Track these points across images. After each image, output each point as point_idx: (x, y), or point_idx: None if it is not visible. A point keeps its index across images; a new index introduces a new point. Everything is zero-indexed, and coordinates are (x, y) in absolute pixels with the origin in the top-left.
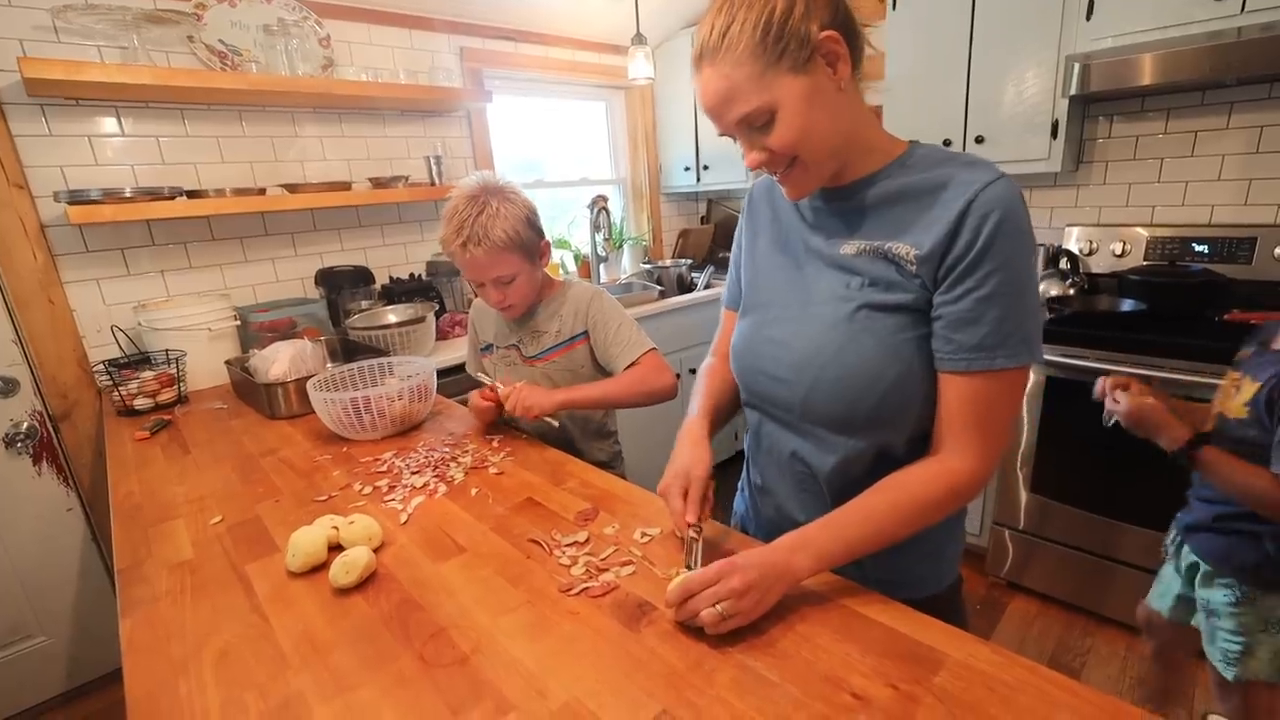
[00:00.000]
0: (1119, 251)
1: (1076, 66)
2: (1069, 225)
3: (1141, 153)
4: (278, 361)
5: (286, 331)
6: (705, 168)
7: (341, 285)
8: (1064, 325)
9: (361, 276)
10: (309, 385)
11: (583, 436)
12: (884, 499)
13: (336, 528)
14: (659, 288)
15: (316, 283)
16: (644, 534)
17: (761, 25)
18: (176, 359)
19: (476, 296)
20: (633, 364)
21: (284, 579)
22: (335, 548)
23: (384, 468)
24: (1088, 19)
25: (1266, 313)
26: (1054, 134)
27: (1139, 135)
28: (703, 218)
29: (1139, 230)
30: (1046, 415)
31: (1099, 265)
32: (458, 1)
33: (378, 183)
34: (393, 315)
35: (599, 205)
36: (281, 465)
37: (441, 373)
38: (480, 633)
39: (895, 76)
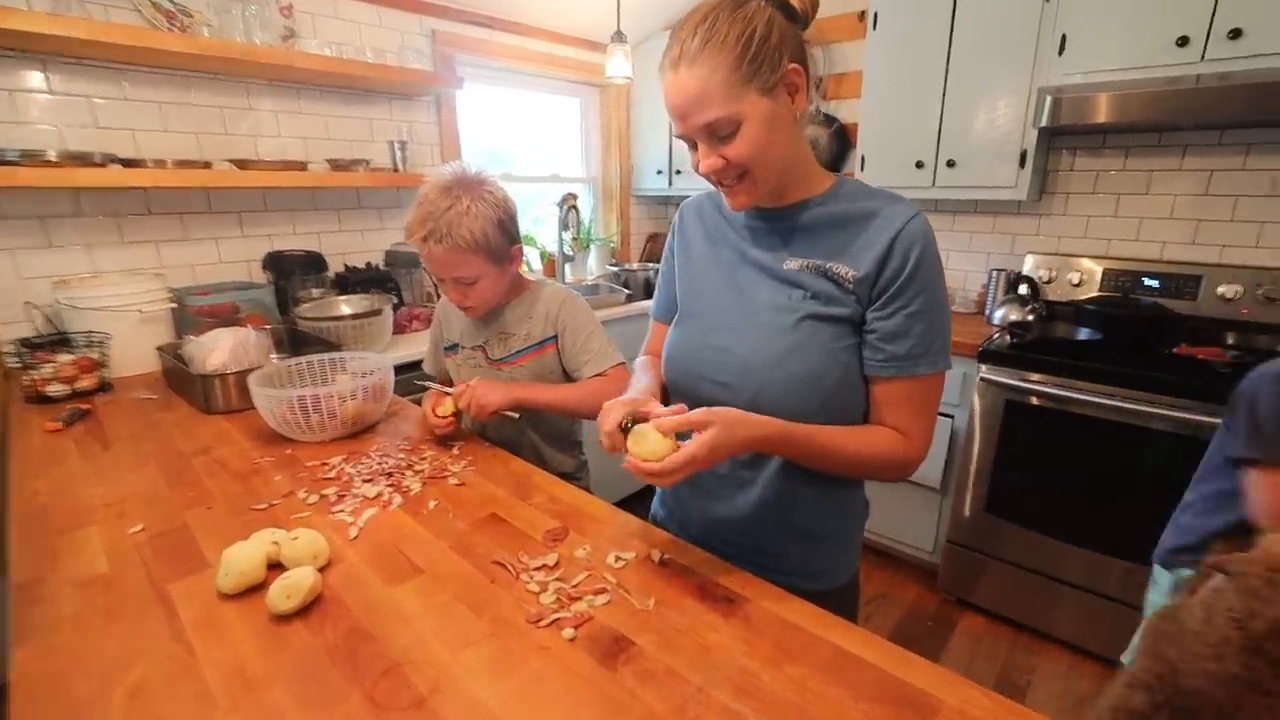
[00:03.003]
0: (1076, 281)
1: (1048, 99)
2: (1030, 253)
3: (1101, 187)
4: (217, 350)
5: (228, 318)
6: (678, 172)
7: (291, 271)
8: (1024, 351)
9: (314, 263)
10: (251, 379)
11: (548, 445)
12: (853, 430)
13: (277, 543)
14: (626, 290)
15: (264, 267)
16: (618, 558)
17: (743, 42)
18: (99, 342)
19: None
20: (599, 375)
21: (213, 601)
22: (275, 566)
23: (332, 474)
24: (1060, 54)
25: (1212, 348)
26: (1022, 163)
27: (1099, 170)
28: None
29: (1095, 262)
30: (1004, 437)
31: (1057, 293)
32: None
33: (337, 165)
34: (346, 306)
35: (569, 203)
36: (216, 466)
37: (398, 369)
38: (439, 669)
39: (871, 96)
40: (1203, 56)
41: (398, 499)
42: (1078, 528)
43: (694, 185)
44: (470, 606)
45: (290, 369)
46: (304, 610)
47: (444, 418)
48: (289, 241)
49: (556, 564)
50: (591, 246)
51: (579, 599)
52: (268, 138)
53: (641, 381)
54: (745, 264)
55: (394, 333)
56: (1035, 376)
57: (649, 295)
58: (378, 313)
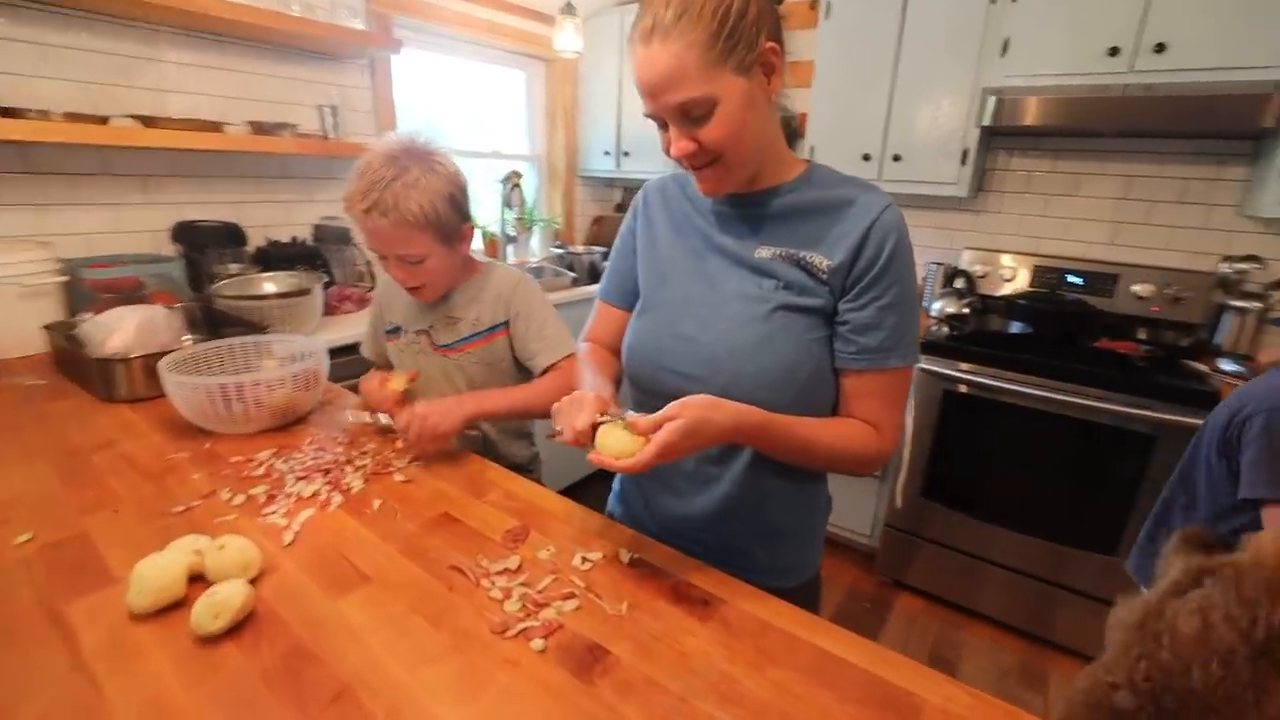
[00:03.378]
0: (1008, 276)
1: (991, 99)
2: (967, 248)
3: (1033, 187)
4: (120, 330)
5: (131, 294)
6: (626, 154)
7: (205, 244)
8: (962, 343)
9: (231, 235)
10: (161, 365)
11: (500, 437)
12: (828, 423)
13: (200, 553)
14: (571, 274)
15: (173, 238)
16: (584, 559)
17: (719, 18)
18: None
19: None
20: (552, 367)
21: (123, 623)
22: (198, 578)
23: (260, 471)
24: (1003, 55)
25: (1129, 343)
26: (964, 160)
27: (1031, 171)
28: (617, 205)
29: (1025, 259)
30: (942, 426)
31: (990, 288)
32: None
33: (259, 128)
34: (271, 284)
35: (512, 182)
36: (121, 463)
37: (331, 353)
38: (396, 690)
39: (822, 86)
40: (1131, 67)
41: (337, 498)
42: (1005, 511)
43: (643, 168)
44: (427, 618)
45: (209, 352)
46: (234, 629)
47: (394, 392)
48: (202, 211)
49: (519, 567)
50: (535, 228)
51: (546, 605)
52: (177, 93)
53: (592, 379)
54: (713, 251)
55: (324, 314)
56: (970, 367)
57: (594, 280)
58: (306, 292)
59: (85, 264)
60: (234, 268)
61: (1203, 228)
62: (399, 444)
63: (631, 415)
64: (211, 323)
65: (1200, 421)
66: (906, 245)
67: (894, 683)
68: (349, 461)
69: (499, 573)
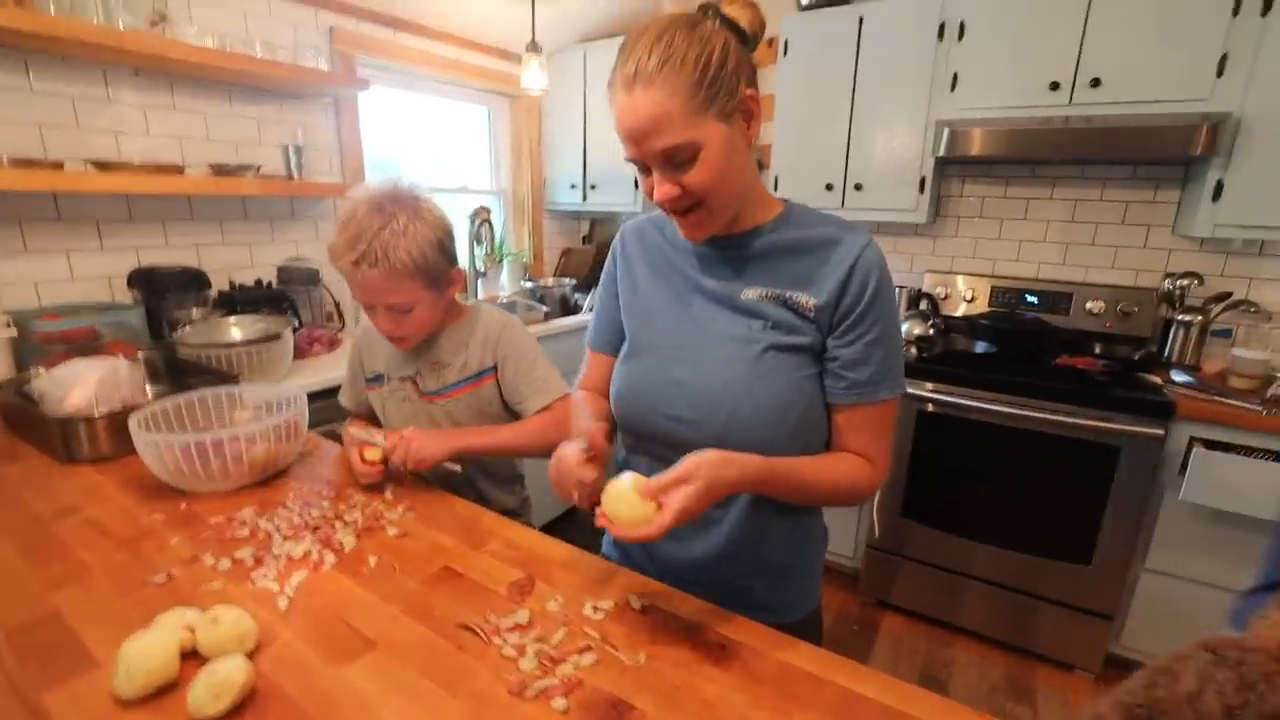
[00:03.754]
0: (968, 297)
1: (946, 130)
2: (927, 271)
3: (986, 212)
4: (79, 385)
5: (86, 344)
6: (593, 187)
7: (165, 290)
8: (932, 364)
9: (192, 280)
10: (132, 423)
11: (489, 482)
12: (825, 460)
13: (191, 628)
14: (544, 308)
15: (130, 285)
16: (596, 608)
17: (701, 66)
18: None
19: (362, 316)
20: (544, 409)
21: (111, 711)
22: (190, 655)
23: (245, 531)
24: (952, 90)
25: (1090, 359)
26: (921, 188)
27: (984, 196)
28: (584, 237)
29: (983, 280)
30: (916, 446)
31: (951, 309)
32: None
33: (221, 170)
34: (238, 330)
35: (481, 217)
36: (89, 531)
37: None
38: None
39: (784, 120)
40: (1070, 100)
41: (330, 558)
42: (981, 526)
43: (610, 200)
44: (440, 682)
45: (178, 406)
46: (236, 709)
47: (372, 463)
48: (161, 255)
49: (530, 621)
50: (504, 262)
51: (563, 661)
52: (134, 135)
53: (586, 421)
54: (698, 294)
55: (294, 357)
56: (939, 387)
57: (567, 312)
58: (276, 336)
59: (36, 315)
60: (196, 313)
61: (1143, 247)
62: (387, 495)
63: (630, 476)
64: (174, 372)
65: (1160, 432)
66: (888, 279)
67: (917, 716)
68: (338, 516)
69: (510, 628)
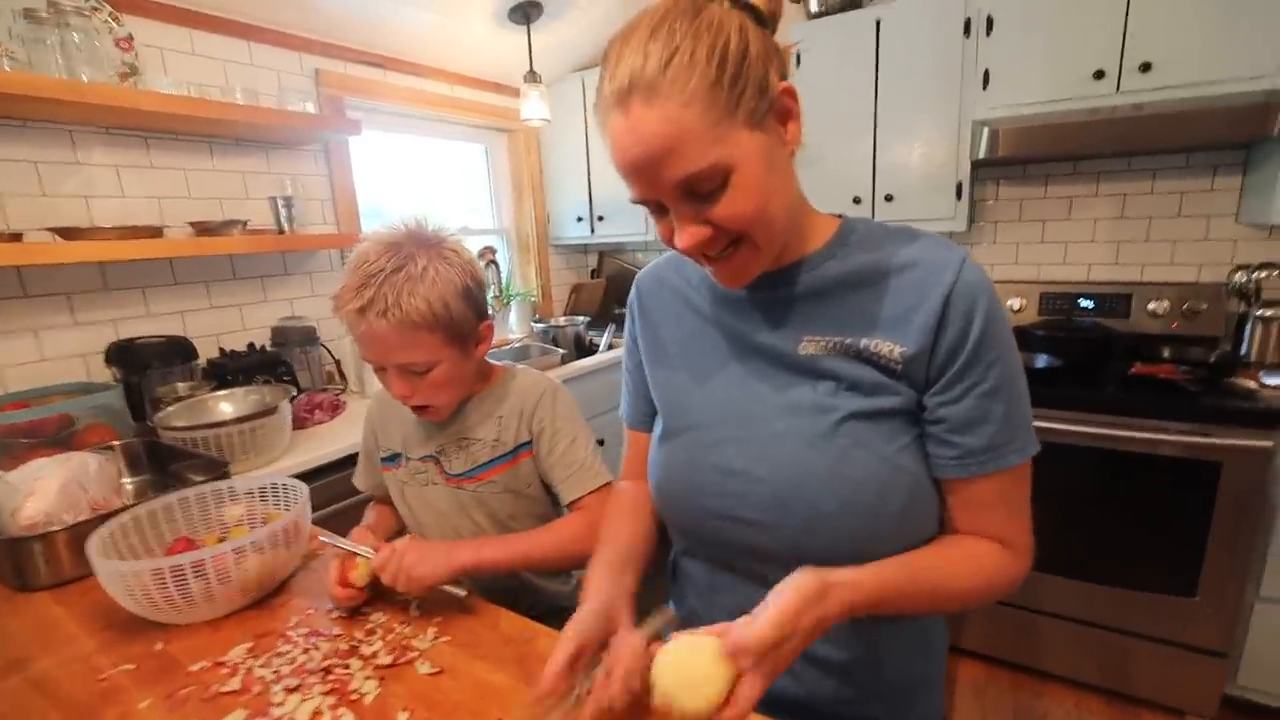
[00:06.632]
0: (1016, 307)
1: (985, 130)
2: None
3: (1026, 214)
4: (38, 494)
5: (56, 435)
6: (600, 218)
7: (148, 364)
8: None
9: (177, 350)
10: (91, 548)
11: (538, 577)
12: (951, 556)
13: None
14: (560, 350)
15: (108, 361)
16: None
17: (717, 60)
18: None
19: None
20: (577, 504)
21: None
22: None
23: (235, 682)
24: (985, 88)
25: (1169, 365)
26: (959, 194)
27: (1022, 198)
28: (593, 271)
29: (1030, 286)
30: None
31: None
32: (310, 14)
33: (203, 229)
34: (227, 405)
35: (487, 258)
36: (40, 694)
37: (306, 476)
38: None
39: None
40: (1117, 88)
41: (348, 716)
42: (1065, 558)
43: (620, 231)
44: None
45: (153, 513)
46: None
47: (354, 588)
48: (142, 326)
49: None
50: (512, 303)
51: None
52: (106, 198)
53: (604, 576)
54: (742, 351)
55: (294, 427)
56: None
57: (582, 353)
58: (272, 411)
59: None
60: (183, 388)
61: (1205, 239)
62: (413, 610)
63: (685, 636)
64: (156, 459)
65: (1269, 444)
66: (997, 307)
67: None
68: (353, 650)
69: None
